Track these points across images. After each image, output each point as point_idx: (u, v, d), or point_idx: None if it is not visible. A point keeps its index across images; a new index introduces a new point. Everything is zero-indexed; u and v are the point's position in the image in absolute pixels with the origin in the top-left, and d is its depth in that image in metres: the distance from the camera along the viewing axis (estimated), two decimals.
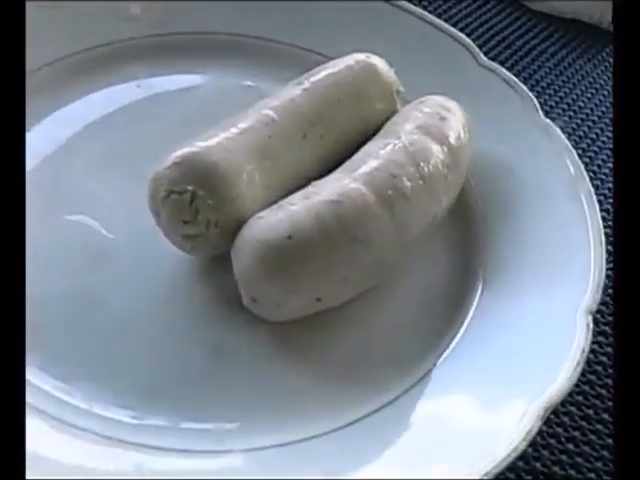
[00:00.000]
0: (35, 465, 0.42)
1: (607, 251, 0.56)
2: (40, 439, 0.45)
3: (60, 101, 0.65)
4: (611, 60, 0.88)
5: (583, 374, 0.50)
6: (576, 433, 0.53)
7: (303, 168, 0.56)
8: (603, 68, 0.87)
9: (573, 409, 0.54)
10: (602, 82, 0.85)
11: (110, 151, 0.62)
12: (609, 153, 0.75)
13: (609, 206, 0.69)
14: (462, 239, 0.61)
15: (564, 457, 0.52)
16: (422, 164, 0.54)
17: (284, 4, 0.73)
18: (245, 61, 0.72)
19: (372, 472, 0.46)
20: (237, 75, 0.71)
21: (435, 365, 0.52)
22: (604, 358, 0.58)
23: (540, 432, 0.46)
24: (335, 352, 0.53)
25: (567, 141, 0.65)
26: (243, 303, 0.51)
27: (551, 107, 0.79)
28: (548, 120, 0.66)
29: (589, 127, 0.78)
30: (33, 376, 0.48)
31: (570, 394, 0.49)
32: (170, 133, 0.58)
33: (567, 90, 0.82)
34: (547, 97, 0.81)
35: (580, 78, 0.85)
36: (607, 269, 0.55)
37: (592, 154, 0.75)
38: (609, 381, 0.56)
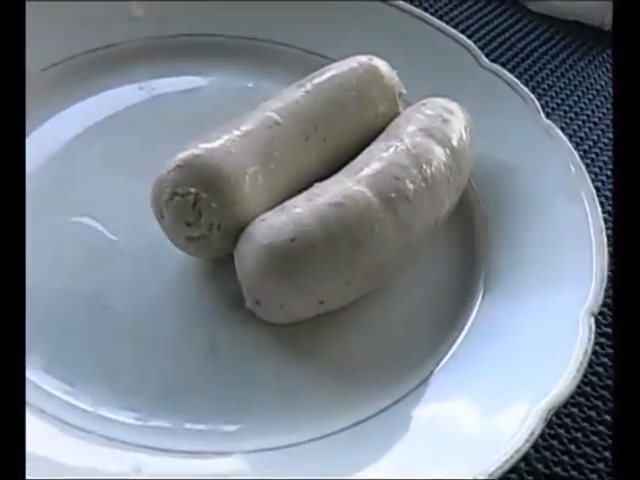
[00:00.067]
0: (37, 466, 0.43)
1: (609, 253, 0.56)
2: (43, 440, 0.45)
3: (64, 103, 0.65)
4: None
5: (585, 375, 0.50)
6: (578, 434, 0.53)
7: (306, 170, 0.56)
8: (604, 70, 0.87)
9: (575, 410, 0.54)
10: (603, 84, 0.85)
11: (113, 153, 0.62)
12: (610, 155, 0.76)
13: (611, 207, 0.69)
14: (464, 241, 0.61)
15: (566, 458, 0.52)
16: (425, 166, 0.54)
17: (286, 6, 0.74)
18: (247, 63, 0.72)
19: (373, 475, 0.46)
20: (239, 77, 0.72)
21: (437, 367, 0.53)
22: (606, 360, 0.58)
23: (542, 433, 0.46)
24: (336, 354, 0.53)
25: (569, 143, 0.65)
26: (246, 305, 0.52)
27: (553, 109, 0.80)
28: (550, 122, 0.66)
29: (590, 129, 0.78)
30: (37, 378, 0.48)
31: (572, 395, 0.49)
32: (173, 135, 0.58)
33: (568, 92, 0.83)
34: (548, 99, 0.81)
35: (581, 80, 0.85)
36: (609, 271, 0.55)
37: (594, 156, 0.75)
38: (611, 382, 0.56)
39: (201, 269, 0.55)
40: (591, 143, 0.77)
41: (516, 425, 0.46)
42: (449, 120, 0.59)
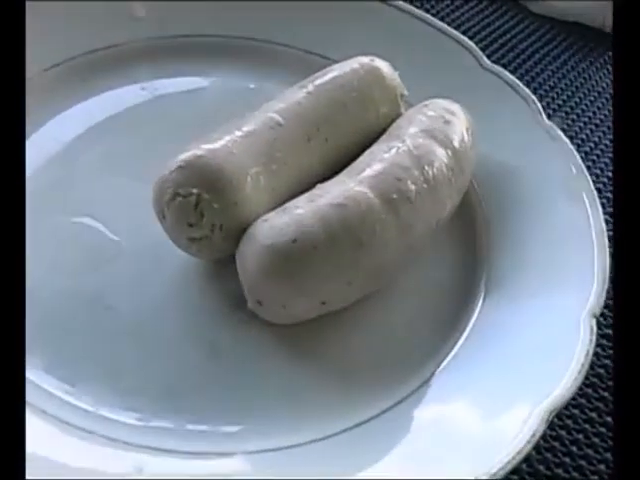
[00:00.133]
0: (38, 466, 0.43)
1: (610, 254, 0.56)
2: (44, 440, 0.45)
3: (65, 103, 0.65)
4: None
5: (586, 377, 0.50)
6: (579, 436, 0.53)
7: (308, 171, 0.56)
8: (605, 71, 0.87)
9: (576, 412, 0.54)
10: (604, 85, 0.85)
11: (115, 153, 0.62)
12: (612, 156, 0.76)
13: (612, 209, 0.69)
14: (465, 242, 0.61)
15: (567, 460, 0.52)
16: (426, 167, 0.54)
17: (287, 7, 0.74)
18: (248, 63, 0.72)
19: (374, 476, 0.46)
20: (240, 77, 0.72)
21: (439, 368, 0.53)
22: (607, 361, 0.58)
23: (544, 435, 0.46)
24: (338, 355, 0.53)
25: (570, 144, 0.65)
26: (248, 306, 0.52)
27: (554, 110, 0.80)
28: (551, 123, 0.66)
29: (592, 130, 0.78)
30: (38, 378, 0.48)
31: (573, 397, 0.49)
32: (174, 135, 0.58)
33: (570, 93, 0.83)
34: (550, 100, 0.81)
35: (583, 81, 0.85)
36: (610, 272, 0.55)
37: (595, 157, 0.75)
38: (612, 384, 0.56)
39: (203, 270, 0.55)
40: (592, 145, 0.77)
41: (518, 426, 0.46)
42: (451, 121, 0.59)
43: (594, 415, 0.54)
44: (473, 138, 0.60)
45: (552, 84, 0.83)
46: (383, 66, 0.63)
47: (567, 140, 0.65)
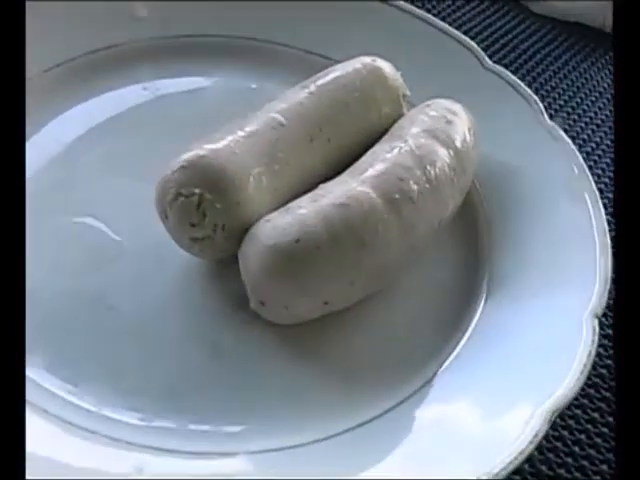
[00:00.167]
0: (41, 466, 0.43)
1: (613, 254, 0.56)
2: (46, 440, 0.45)
3: (68, 103, 0.65)
4: None
5: (589, 377, 0.50)
6: (582, 436, 0.53)
7: (310, 171, 0.56)
8: (607, 71, 0.87)
9: (579, 412, 0.54)
10: (606, 85, 0.85)
11: (117, 154, 0.62)
12: (612, 156, 0.76)
13: (612, 209, 0.69)
14: (468, 242, 0.61)
15: (570, 460, 0.52)
16: (429, 167, 0.54)
17: (288, 7, 0.74)
18: (249, 63, 0.72)
19: (377, 476, 0.46)
20: (242, 77, 0.72)
21: (441, 368, 0.53)
22: (609, 361, 0.58)
23: (546, 435, 0.46)
24: (340, 355, 0.53)
25: (572, 144, 0.65)
26: (250, 306, 0.52)
27: (555, 110, 0.80)
28: (553, 123, 0.66)
29: (593, 130, 0.78)
30: (40, 378, 0.48)
31: (576, 397, 0.49)
32: (176, 135, 0.58)
33: (571, 93, 0.83)
34: (551, 100, 0.81)
35: (584, 81, 0.85)
36: (612, 272, 0.55)
37: (597, 157, 0.75)
38: (614, 384, 0.56)
39: (205, 270, 0.55)
40: (594, 145, 0.77)
41: (520, 427, 0.46)
42: (453, 121, 0.59)
43: (596, 415, 0.54)
44: (475, 138, 0.60)
45: (553, 84, 0.83)
46: (385, 66, 0.63)
47: (569, 140, 0.65)
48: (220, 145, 0.52)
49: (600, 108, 0.81)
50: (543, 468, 0.51)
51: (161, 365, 0.50)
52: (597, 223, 0.58)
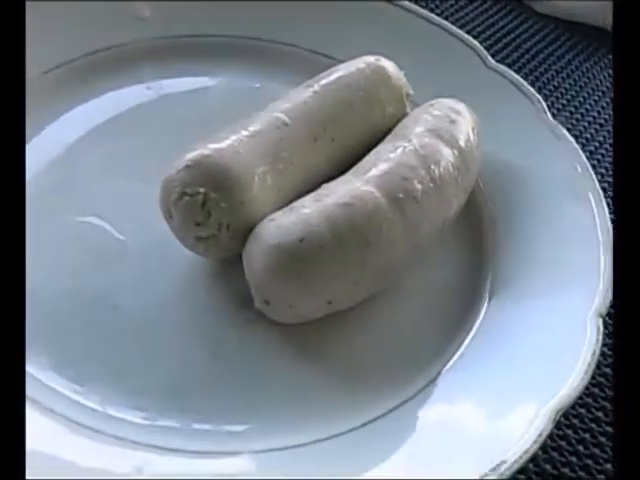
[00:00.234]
0: (48, 466, 0.43)
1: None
2: (51, 439, 0.45)
3: (71, 104, 0.65)
4: None
5: (593, 377, 0.49)
6: (586, 435, 0.53)
7: (314, 171, 0.56)
8: (609, 71, 0.87)
9: (583, 411, 0.54)
10: (608, 84, 0.85)
11: (121, 153, 0.62)
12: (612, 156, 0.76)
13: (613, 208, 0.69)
14: (471, 242, 0.61)
15: (574, 459, 0.52)
16: (433, 167, 0.54)
17: (291, 6, 0.74)
18: (253, 63, 0.72)
19: (380, 475, 0.46)
20: (245, 77, 0.72)
21: (445, 368, 0.53)
22: None
23: (550, 434, 0.46)
24: (344, 355, 0.53)
25: (575, 143, 0.65)
26: (255, 305, 0.52)
27: (558, 110, 0.80)
28: (556, 122, 0.66)
29: (596, 130, 0.78)
30: (45, 377, 0.48)
31: (580, 396, 0.49)
32: (180, 135, 0.57)
33: (574, 93, 0.83)
34: (554, 100, 0.81)
35: (587, 80, 0.85)
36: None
37: (600, 157, 0.75)
38: None
39: (209, 269, 0.55)
40: (597, 144, 0.77)
41: (524, 426, 0.46)
42: (456, 121, 0.59)
43: (600, 414, 0.54)
44: (479, 137, 0.60)
45: (556, 84, 0.83)
46: (389, 66, 0.63)
47: (572, 139, 0.65)
48: (224, 144, 0.52)
49: (603, 107, 0.81)
50: (547, 467, 0.51)
51: (165, 364, 0.51)
52: (601, 222, 0.58)
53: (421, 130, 0.57)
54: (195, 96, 0.69)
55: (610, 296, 0.53)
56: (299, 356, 0.52)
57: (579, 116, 0.80)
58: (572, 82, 0.84)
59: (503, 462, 0.44)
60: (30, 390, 0.46)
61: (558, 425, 0.51)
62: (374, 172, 0.53)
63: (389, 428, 0.49)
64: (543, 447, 0.49)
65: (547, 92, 0.81)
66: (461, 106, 0.61)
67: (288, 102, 0.58)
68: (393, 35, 0.73)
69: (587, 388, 0.52)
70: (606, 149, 0.76)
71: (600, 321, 0.51)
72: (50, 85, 0.65)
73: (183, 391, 0.50)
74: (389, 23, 0.74)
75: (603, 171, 0.73)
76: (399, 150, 0.55)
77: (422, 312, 0.56)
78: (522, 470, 0.48)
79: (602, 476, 0.51)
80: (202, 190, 0.50)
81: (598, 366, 0.51)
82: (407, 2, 0.75)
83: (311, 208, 0.51)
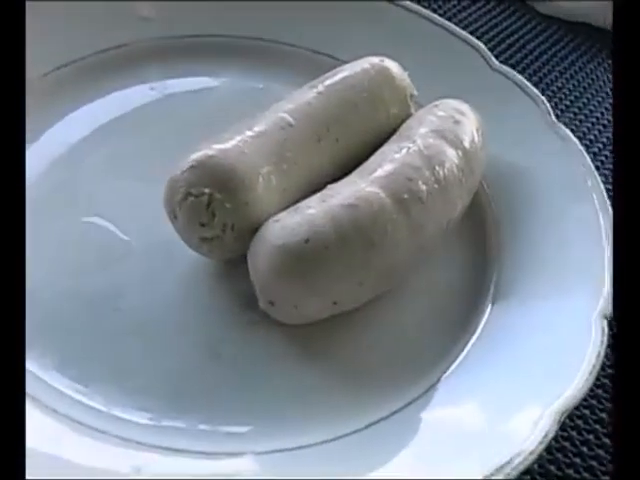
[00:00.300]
0: (52, 466, 0.43)
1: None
2: (54, 439, 0.45)
3: (75, 104, 0.65)
4: None
5: (597, 378, 0.49)
6: (590, 436, 0.53)
7: (319, 171, 0.56)
8: None
9: (587, 412, 0.54)
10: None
11: (125, 154, 0.62)
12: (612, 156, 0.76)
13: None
14: (476, 243, 0.61)
15: (578, 460, 0.52)
16: (437, 168, 0.54)
17: (295, 7, 0.74)
18: (257, 63, 0.72)
19: (384, 476, 0.46)
20: (249, 77, 0.72)
21: (450, 369, 0.53)
22: None
23: (555, 435, 0.46)
24: (348, 356, 0.53)
25: (579, 144, 0.65)
26: (260, 306, 0.52)
27: (562, 111, 0.80)
28: (560, 123, 0.66)
29: (600, 131, 0.78)
30: (50, 377, 0.48)
31: (584, 398, 0.49)
32: (184, 135, 0.58)
33: (578, 94, 0.83)
34: (557, 100, 0.81)
35: (591, 82, 0.85)
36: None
37: (604, 158, 0.75)
38: None
39: (213, 269, 0.55)
40: (601, 145, 0.77)
41: (529, 427, 0.46)
42: (461, 122, 0.59)
43: (605, 416, 0.54)
44: (483, 138, 0.60)
45: (560, 85, 0.83)
46: (393, 66, 0.63)
47: (576, 140, 0.65)
48: (229, 145, 0.52)
49: (607, 109, 0.81)
50: (552, 468, 0.51)
51: (169, 365, 0.50)
52: (605, 223, 0.58)
53: (425, 131, 0.57)
54: (199, 96, 0.69)
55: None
56: (303, 357, 0.52)
57: (583, 117, 0.80)
58: (576, 83, 0.84)
59: (508, 463, 0.44)
60: (34, 390, 0.46)
61: (562, 426, 0.51)
62: (379, 173, 0.53)
63: (393, 429, 0.49)
64: (547, 448, 0.49)
65: (550, 93, 0.81)
66: (465, 107, 0.61)
67: (292, 103, 0.58)
68: (396, 36, 0.73)
69: (591, 390, 0.52)
70: (610, 150, 0.76)
71: (605, 322, 0.51)
72: (54, 85, 0.65)
73: (187, 392, 0.50)
74: (392, 24, 0.74)
75: (607, 172, 0.73)
76: (404, 151, 0.55)
77: (426, 313, 0.56)
78: (527, 471, 0.48)
79: (606, 477, 0.51)
80: (207, 191, 0.50)
81: (602, 368, 0.51)
82: (410, 3, 0.75)
83: (316, 209, 0.51)
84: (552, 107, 0.68)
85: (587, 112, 0.80)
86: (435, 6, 0.88)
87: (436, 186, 0.54)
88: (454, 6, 0.90)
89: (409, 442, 0.48)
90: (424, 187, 0.53)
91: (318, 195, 0.53)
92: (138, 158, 0.61)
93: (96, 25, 0.68)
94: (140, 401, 0.48)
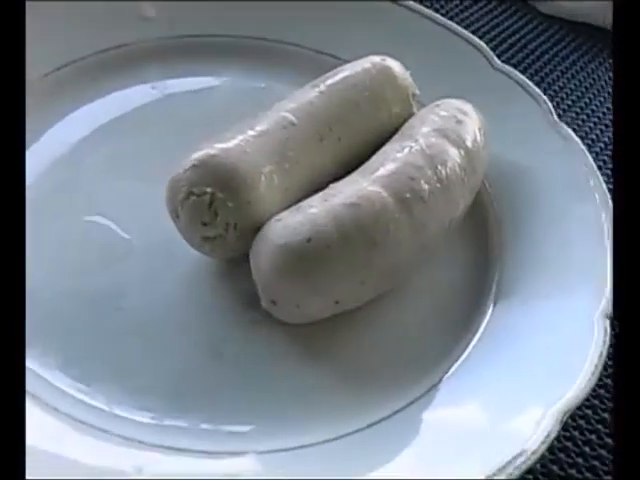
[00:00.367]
0: (54, 465, 0.43)
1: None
2: (56, 439, 0.45)
3: (76, 104, 0.65)
4: None
5: (599, 378, 0.49)
6: (592, 436, 0.53)
7: (321, 170, 0.56)
8: None
9: (589, 412, 0.54)
10: None
11: (126, 153, 0.62)
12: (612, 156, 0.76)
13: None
14: (478, 242, 0.61)
15: (580, 460, 0.52)
16: (439, 167, 0.54)
17: (296, 6, 0.74)
18: (258, 63, 0.72)
19: (386, 476, 0.46)
20: (251, 77, 0.72)
21: (452, 369, 0.52)
22: None
23: (557, 435, 0.46)
24: (350, 355, 0.53)
25: (581, 144, 0.65)
26: (262, 305, 0.51)
27: (564, 110, 0.80)
28: (562, 123, 0.66)
29: (602, 131, 0.78)
30: (52, 377, 0.48)
31: (587, 398, 0.49)
32: (185, 135, 0.58)
33: (580, 94, 0.83)
34: (560, 100, 0.81)
35: (592, 81, 0.85)
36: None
37: (605, 157, 0.75)
38: None
39: (215, 269, 0.55)
40: (603, 145, 0.77)
41: (532, 427, 0.46)
42: (463, 121, 0.59)
43: (607, 416, 0.54)
44: (485, 138, 0.60)
45: (561, 84, 0.83)
46: (395, 66, 0.63)
47: (578, 140, 0.65)
48: (231, 144, 0.52)
49: (608, 108, 0.81)
50: (554, 468, 0.51)
51: (170, 364, 0.50)
52: (607, 223, 0.58)
53: (428, 130, 0.57)
54: (200, 96, 0.69)
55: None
56: (305, 356, 0.52)
57: (585, 117, 0.80)
58: (577, 83, 0.84)
59: (510, 463, 0.44)
60: (35, 388, 0.46)
61: (565, 426, 0.51)
62: (381, 172, 0.53)
63: (395, 429, 0.49)
64: (550, 448, 0.49)
65: (552, 93, 0.81)
66: (468, 106, 0.61)
67: (294, 102, 0.58)
68: (398, 35, 0.73)
69: (594, 389, 0.52)
70: (612, 150, 0.76)
71: (607, 322, 0.51)
72: (55, 85, 0.65)
73: (189, 391, 0.49)
74: (394, 23, 0.74)
75: (609, 172, 0.73)
76: (406, 150, 0.55)
77: (428, 312, 0.56)
78: (529, 471, 0.48)
79: (609, 477, 0.51)
80: (209, 190, 0.50)
81: (605, 367, 0.51)
82: (412, 2, 0.75)
83: (318, 208, 0.51)
84: (554, 107, 0.68)
85: (589, 112, 0.80)
86: (437, 6, 0.88)
87: (438, 185, 0.54)
88: (456, 6, 0.90)
89: (411, 442, 0.48)
90: (426, 186, 0.53)
91: (320, 194, 0.53)
92: (139, 158, 0.61)
93: (96, 25, 0.68)
94: (142, 400, 0.48)
